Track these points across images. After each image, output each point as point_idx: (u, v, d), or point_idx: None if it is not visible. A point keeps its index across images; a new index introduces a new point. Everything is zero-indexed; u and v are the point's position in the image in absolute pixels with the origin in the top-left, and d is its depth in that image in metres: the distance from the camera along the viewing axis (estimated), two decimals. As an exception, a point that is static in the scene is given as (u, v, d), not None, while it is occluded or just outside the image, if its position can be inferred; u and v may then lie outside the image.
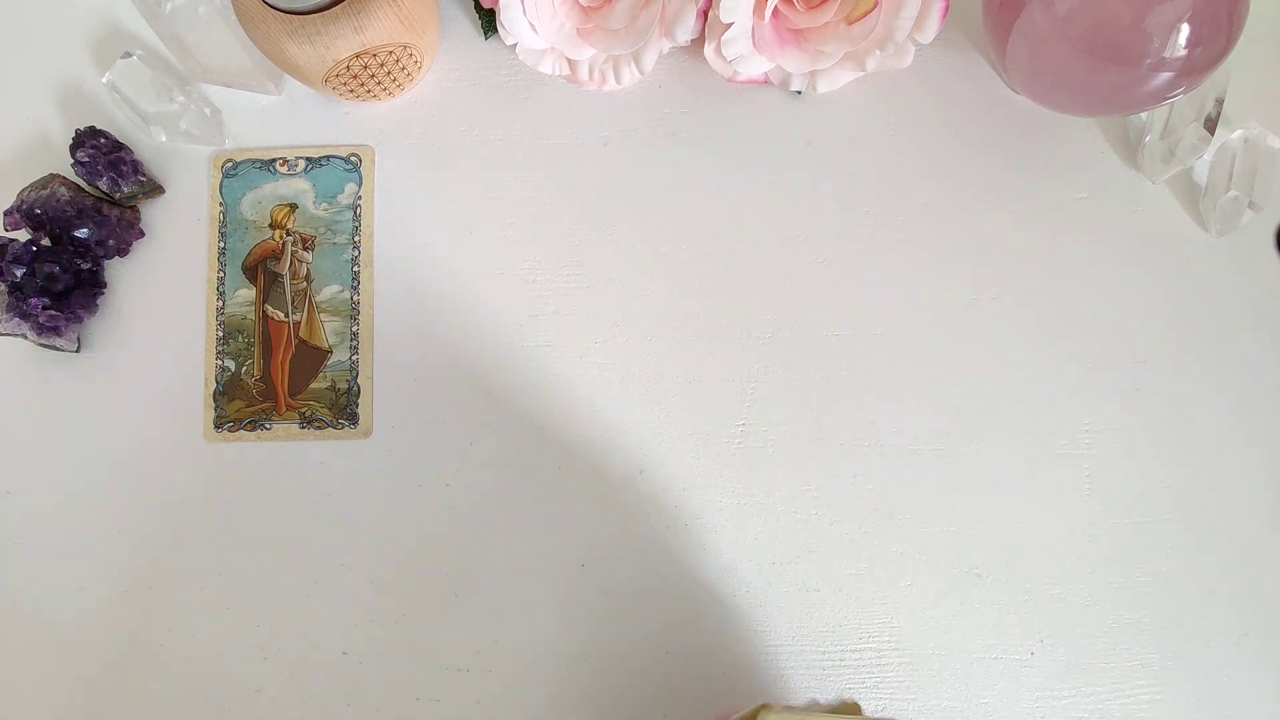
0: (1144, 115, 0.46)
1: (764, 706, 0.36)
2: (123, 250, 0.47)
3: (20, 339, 0.46)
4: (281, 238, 0.47)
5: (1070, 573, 0.45)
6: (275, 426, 0.46)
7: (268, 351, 0.47)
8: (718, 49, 0.44)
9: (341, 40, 0.41)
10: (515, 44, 0.45)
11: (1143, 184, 0.47)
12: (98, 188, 0.47)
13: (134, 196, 0.47)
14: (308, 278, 0.47)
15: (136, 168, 0.47)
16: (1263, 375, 0.46)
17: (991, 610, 0.44)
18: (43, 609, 0.46)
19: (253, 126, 0.48)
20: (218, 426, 0.46)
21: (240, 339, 0.47)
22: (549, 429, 0.46)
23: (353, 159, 0.48)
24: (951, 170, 0.47)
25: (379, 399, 0.46)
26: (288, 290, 0.47)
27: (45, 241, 0.46)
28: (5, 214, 0.46)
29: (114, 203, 0.47)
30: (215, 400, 0.46)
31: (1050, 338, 0.46)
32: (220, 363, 0.47)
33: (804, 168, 0.47)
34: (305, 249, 0.47)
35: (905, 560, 0.45)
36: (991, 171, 0.47)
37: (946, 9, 0.43)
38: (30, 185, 0.46)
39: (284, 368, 0.47)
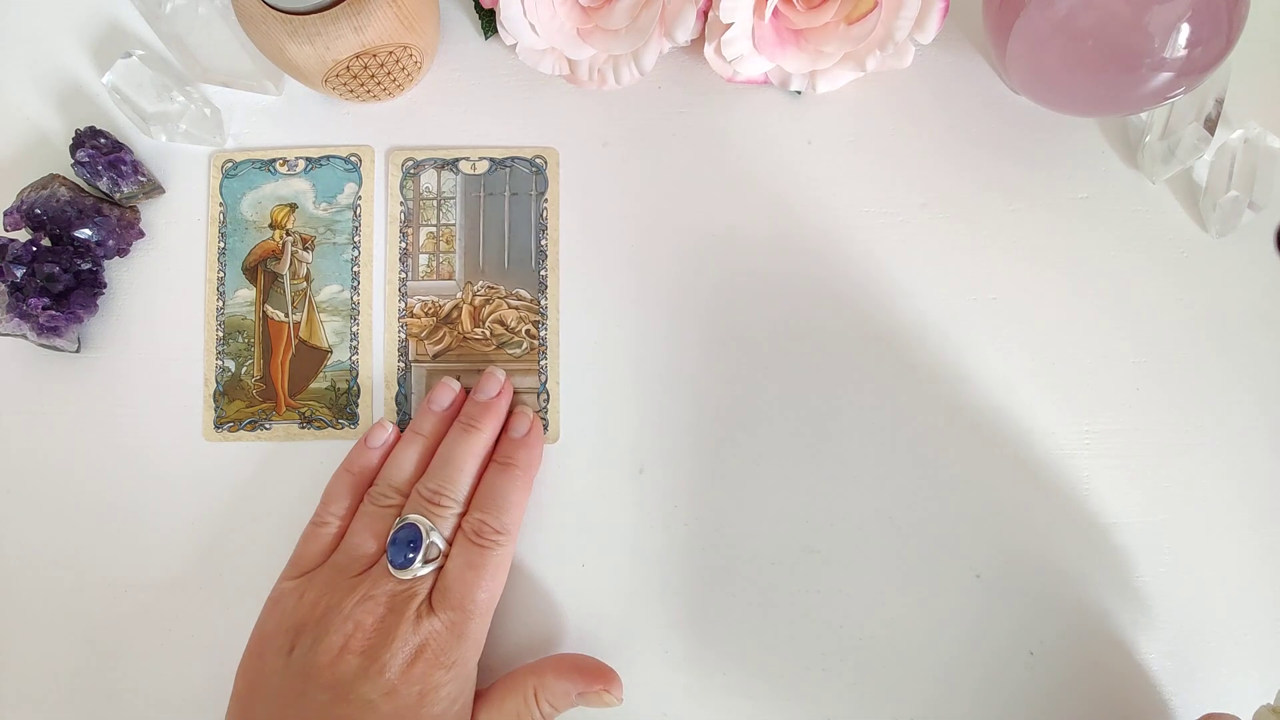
0: (1144, 115, 0.46)
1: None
2: (123, 250, 0.47)
3: (20, 339, 0.46)
4: (281, 238, 0.47)
5: (1070, 573, 0.45)
6: (275, 426, 0.46)
7: (268, 351, 0.47)
8: (718, 49, 0.44)
9: (341, 40, 0.41)
10: (515, 44, 0.45)
11: (1143, 184, 0.47)
12: (98, 188, 0.47)
13: (134, 196, 0.47)
14: (308, 278, 0.47)
15: (136, 168, 0.47)
16: (1263, 375, 0.46)
17: (991, 610, 0.44)
18: (43, 609, 0.46)
19: (253, 126, 0.48)
20: (218, 426, 0.46)
21: (240, 339, 0.47)
22: (548, 429, 0.46)
23: (353, 159, 0.48)
24: (951, 170, 0.47)
25: (379, 399, 0.46)
26: (288, 290, 0.47)
27: (45, 242, 0.46)
28: (5, 214, 0.46)
29: (114, 203, 0.47)
30: (215, 400, 0.46)
31: (1049, 338, 0.46)
32: (220, 363, 0.47)
33: (804, 168, 0.47)
34: (305, 249, 0.47)
35: (905, 561, 0.45)
36: (991, 171, 0.47)
37: (946, 9, 0.43)
38: (30, 185, 0.46)
39: (284, 368, 0.47)
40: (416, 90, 0.48)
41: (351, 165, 0.48)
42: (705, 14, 0.44)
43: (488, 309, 0.44)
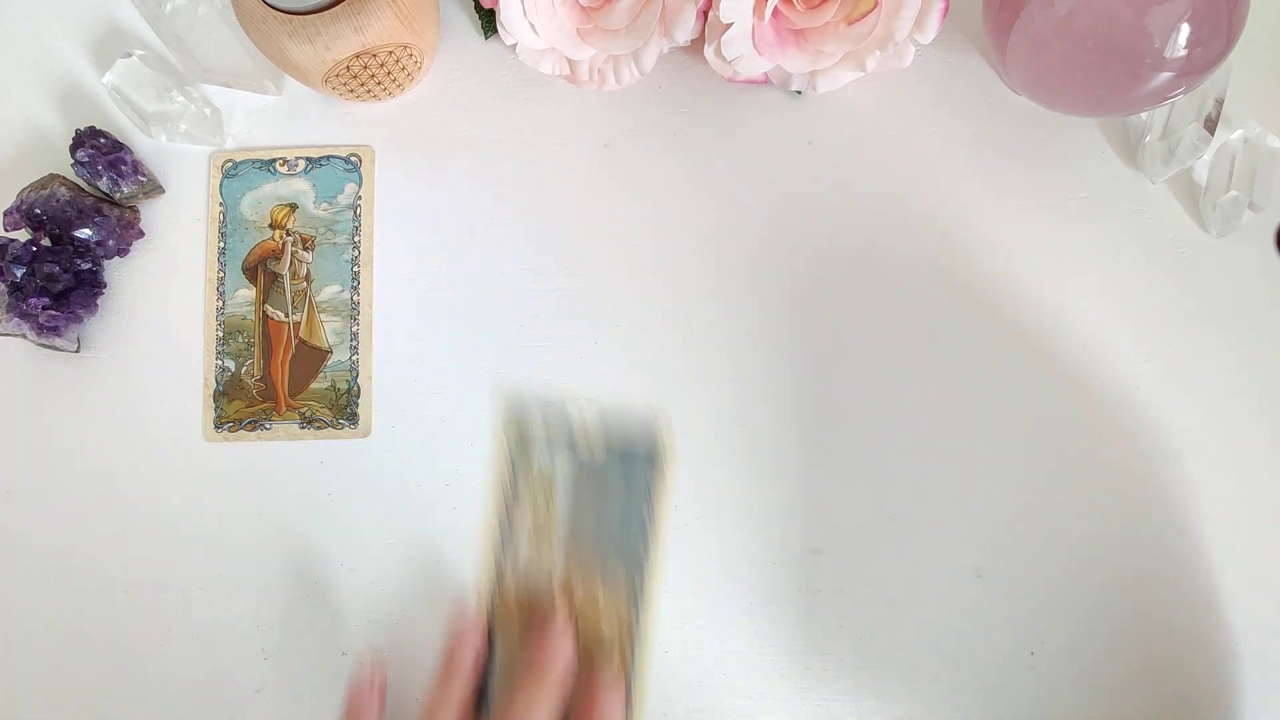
0: (1144, 115, 0.46)
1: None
2: (123, 250, 0.47)
3: (20, 339, 0.46)
4: (281, 238, 0.47)
5: (1070, 572, 0.45)
6: (275, 426, 0.46)
7: (268, 351, 0.47)
8: (718, 49, 0.44)
9: (341, 40, 0.41)
10: (515, 44, 0.45)
11: (1143, 184, 0.47)
12: (98, 188, 0.47)
13: (134, 196, 0.47)
14: (308, 278, 0.47)
15: (136, 168, 0.47)
16: (1263, 375, 0.46)
17: (991, 610, 0.44)
18: (43, 609, 0.46)
19: (253, 126, 0.48)
20: (218, 426, 0.46)
21: (240, 339, 0.47)
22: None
23: (353, 159, 0.48)
24: (951, 170, 0.47)
25: (379, 399, 0.46)
26: (288, 290, 0.47)
27: (45, 241, 0.46)
28: (5, 214, 0.46)
29: (114, 203, 0.47)
30: (215, 400, 0.46)
31: (1050, 338, 0.46)
32: (220, 363, 0.47)
33: (804, 168, 0.47)
34: (305, 249, 0.47)
35: (906, 561, 0.45)
36: (991, 171, 0.47)
37: (946, 9, 0.43)
38: (30, 185, 0.46)
39: (284, 368, 0.47)
40: (416, 90, 0.48)
41: (351, 165, 0.48)
42: (705, 14, 0.44)
43: None
